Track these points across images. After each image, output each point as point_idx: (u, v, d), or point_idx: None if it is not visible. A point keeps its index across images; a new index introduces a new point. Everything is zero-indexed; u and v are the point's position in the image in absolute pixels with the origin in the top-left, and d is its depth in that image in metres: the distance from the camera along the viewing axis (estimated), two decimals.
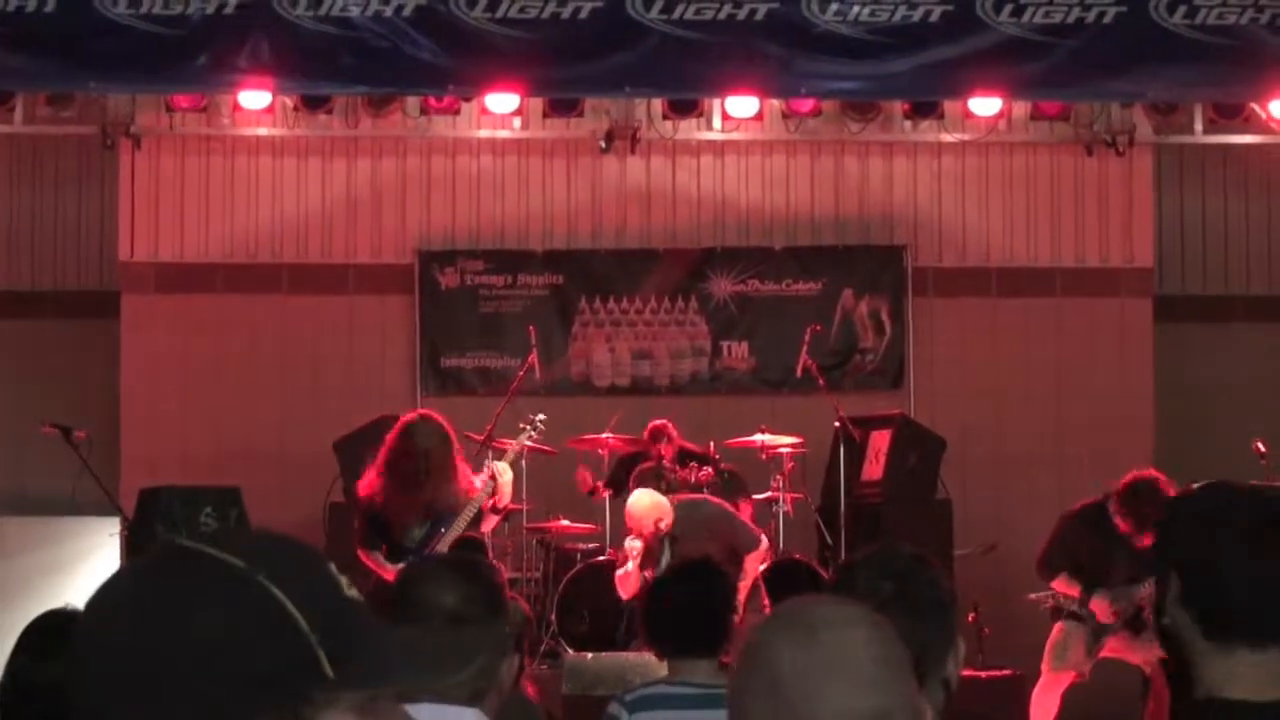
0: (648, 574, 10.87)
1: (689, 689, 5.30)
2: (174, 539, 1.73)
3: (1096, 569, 10.67)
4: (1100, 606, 10.60)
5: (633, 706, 5.31)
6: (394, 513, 10.10)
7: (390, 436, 10.28)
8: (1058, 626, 10.79)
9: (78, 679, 1.68)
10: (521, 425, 11.22)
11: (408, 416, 10.46)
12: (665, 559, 10.84)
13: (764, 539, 11.21)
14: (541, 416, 11.31)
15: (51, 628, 4.10)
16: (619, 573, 11.23)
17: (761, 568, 11.20)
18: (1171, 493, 10.61)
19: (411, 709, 1.76)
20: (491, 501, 10.29)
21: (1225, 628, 2.93)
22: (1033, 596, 11.06)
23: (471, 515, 10.20)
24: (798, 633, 2.13)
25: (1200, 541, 3.00)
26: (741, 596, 10.64)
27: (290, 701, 1.62)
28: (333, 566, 1.73)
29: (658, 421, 12.67)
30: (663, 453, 12.42)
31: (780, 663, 2.11)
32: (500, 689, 3.88)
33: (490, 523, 10.56)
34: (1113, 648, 10.78)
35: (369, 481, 10.34)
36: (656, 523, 10.88)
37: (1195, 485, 3.22)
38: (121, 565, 1.76)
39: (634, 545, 11.01)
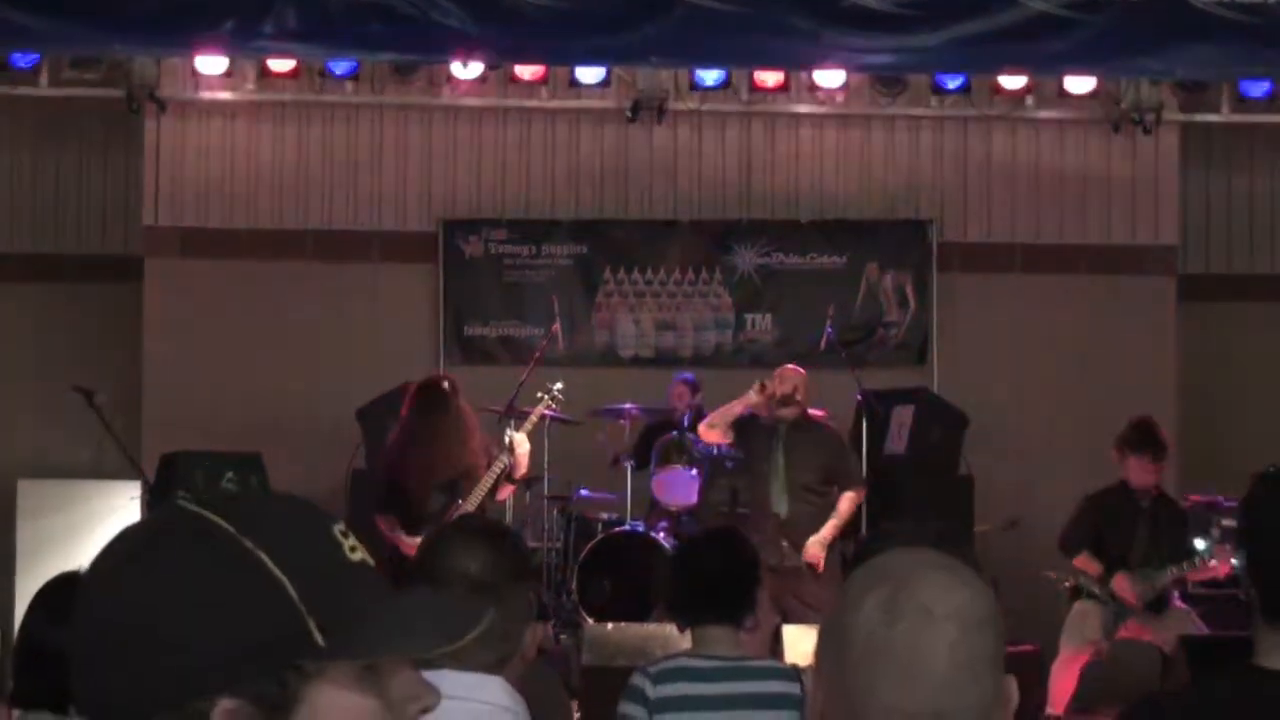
0: (723, 438, 11.04)
1: (710, 661, 5.29)
2: (178, 501, 1.71)
3: (1117, 551, 10.69)
4: (1122, 587, 10.60)
5: (658, 678, 5.30)
6: (414, 477, 10.12)
7: (405, 402, 10.33)
8: (1077, 605, 10.79)
9: (74, 639, 1.67)
10: (540, 394, 11.22)
11: (419, 381, 10.51)
12: (778, 458, 10.83)
13: (864, 486, 11.15)
14: (559, 385, 11.30)
15: (63, 589, 4.11)
16: (711, 416, 11.25)
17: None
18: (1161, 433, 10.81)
19: (433, 676, 1.73)
20: (508, 470, 10.30)
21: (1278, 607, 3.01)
22: (1050, 574, 11.04)
23: (490, 485, 10.21)
24: (883, 610, 2.03)
25: (1260, 523, 3.11)
26: (829, 535, 10.68)
27: (277, 670, 1.60)
28: (339, 530, 1.69)
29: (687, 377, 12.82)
30: (687, 409, 12.49)
31: (853, 641, 2.03)
32: (524, 656, 3.87)
33: (506, 491, 10.56)
34: (1132, 628, 10.78)
35: (389, 446, 10.40)
36: (795, 389, 10.91)
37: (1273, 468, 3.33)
38: (125, 526, 1.76)
39: (752, 395, 10.98)
